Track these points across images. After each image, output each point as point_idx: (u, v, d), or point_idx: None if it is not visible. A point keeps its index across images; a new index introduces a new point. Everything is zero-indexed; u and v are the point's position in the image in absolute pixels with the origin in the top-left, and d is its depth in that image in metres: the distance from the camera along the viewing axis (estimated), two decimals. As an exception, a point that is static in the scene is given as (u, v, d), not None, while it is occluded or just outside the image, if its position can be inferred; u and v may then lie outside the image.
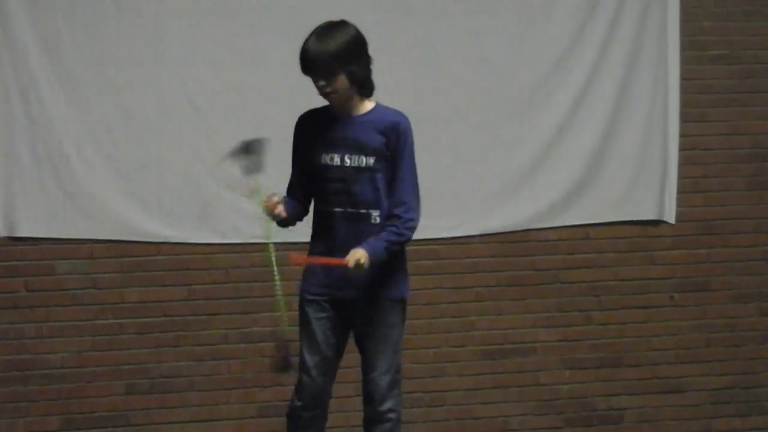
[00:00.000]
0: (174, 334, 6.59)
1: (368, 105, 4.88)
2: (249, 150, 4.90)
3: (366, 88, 4.83)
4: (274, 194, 4.86)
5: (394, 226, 4.79)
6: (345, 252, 4.73)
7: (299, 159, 4.94)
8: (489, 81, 6.75)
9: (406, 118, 4.86)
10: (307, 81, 6.35)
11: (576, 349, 6.97)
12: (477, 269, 6.86)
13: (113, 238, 6.51)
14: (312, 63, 4.71)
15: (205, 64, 6.51)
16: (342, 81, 4.73)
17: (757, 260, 7.13)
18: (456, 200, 6.75)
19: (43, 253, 6.47)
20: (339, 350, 4.94)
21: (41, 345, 6.49)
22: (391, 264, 4.84)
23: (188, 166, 6.53)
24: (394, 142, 4.81)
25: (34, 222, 6.43)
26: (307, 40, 4.74)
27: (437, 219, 6.63)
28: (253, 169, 4.87)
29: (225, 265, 6.61)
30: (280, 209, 4.85)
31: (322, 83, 4.73)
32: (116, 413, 6.56)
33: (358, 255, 4.67)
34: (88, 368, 6.53)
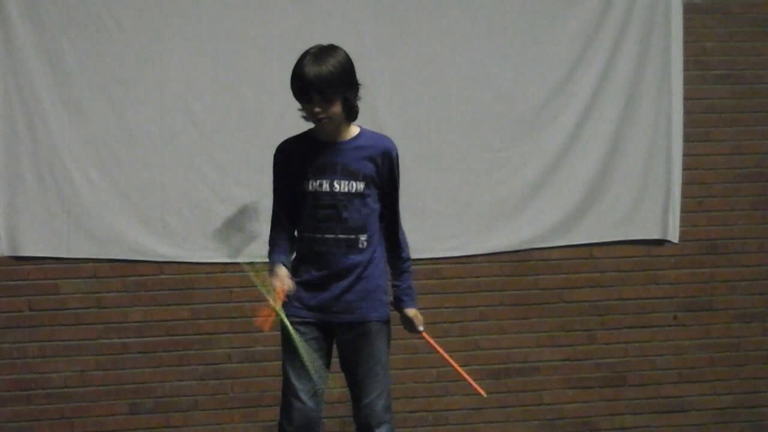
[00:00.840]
0: (178, 354, 6.59)
1: (354, 130, 4.84)
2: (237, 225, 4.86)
3: (353, 113, 4.80)
4: (278, 280, 4.76)
5: (404, 253, 4.95)
6: (333, 276, 4.75)
7: (285, 187, 4.84)
8: (492, 102, 6.76)
9: (394, 144, 4.87)
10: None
11: (579, 368, 6.97)
12: (480, 289, 6.85)
13: (117, 257, 6.51)
14: (310, 88, 4.64)
15: (208, 85, 6.52)
16: (337, 107, 4.69)
17: (760, 280, 7.12)
18: (460, 220, 6.75)
19: (46, 272, 6.47)
20: (325, 371, 4.88)
21: (45, 364, 6.49)
22: (374, 285, 4.84)
23: (192, 186, 6.53)
24: (386, 169, 4.82)
25: (37, 242, 6.43)
26: (301, 65, 4.67)
27: (441, 238, 6.65)
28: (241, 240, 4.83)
29: (228, 285, 6.60)
30: (290, 284, 4.78)
31: (317, 109, 4.68)
32: (120, 433, 6.58)
33: (419, 318, 4.97)
34: (92, 388, 6.53)
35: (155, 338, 6.57)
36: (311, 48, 4.73)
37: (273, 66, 6.53)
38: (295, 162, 4.81)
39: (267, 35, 6.55)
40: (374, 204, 4.81)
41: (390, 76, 6.52)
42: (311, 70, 4.63)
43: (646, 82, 6.89)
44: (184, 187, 6.53)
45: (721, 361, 7.10)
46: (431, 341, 4.99)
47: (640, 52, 6.88)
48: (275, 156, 4.89)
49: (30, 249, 6.44)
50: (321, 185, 4.76)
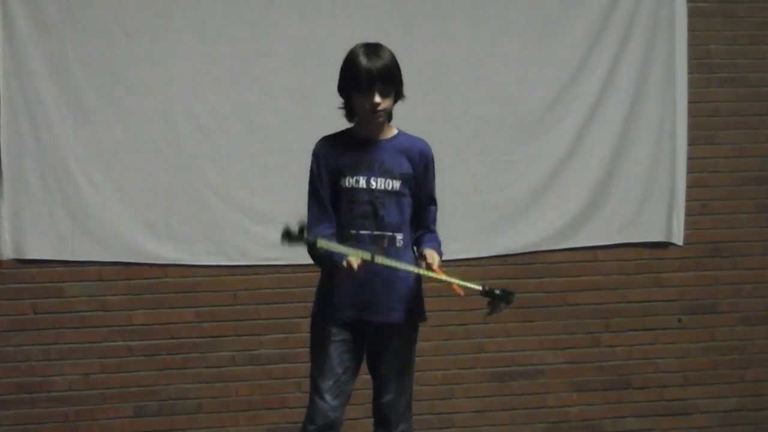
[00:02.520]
0: (182, 357, 6.59)
1: (392, 130, 4.88)
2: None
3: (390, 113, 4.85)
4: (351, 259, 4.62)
5: (435, 234, 4.95)
6: (369, 276, 4.70)
7: (326, 183, 4.82)
8: (496, 106, 6.76)
9: (429, 146, 4.91)
10: (314, 105, 6.38)
11: (583, 371, 6.97)
12: (485, 291, 6.85)
13: (121, 260, 6.51)
14: (375, 78, 4.66)
15: (213, 89, 6.51)
16: (391, 99, 4.76)
17: (764, 282, 7.12)
18: (464, 223, 6.75)
19: (51, 275, 6.47)
20: (353, 373, 4.88)
21: (49, 367, 6.49)
22: (408, 286, 4.83)
23: (196, 190, 6.53)
24: (421, 170, 4.85)
25: (42, 245, 6.43)
26: (361, 58, 4.67)
27: (445, 241, 6.60)
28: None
29: (232, 288, 6.60)
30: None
31: (377, 99, 4.69)
32: (124, 436, 6.58)
33: (435, 257, 4.80)
34: (96, 391, 6.53)
35: (159, 341, 6.57)
36: (358, 45, 4.75)
37: (278, 70, 6.54)
38: (333, 157, 4.81)
39: (272, 39, 6.55)
40: (408, 205, 4.84)
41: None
42: (374, 61, 4.67)
43: (650, 85, 6.90)
44: (188, 191, 6.53)
45: (726, 364, 7.10)
46: (437, 269, 4.79)
47: (644, 56, 6.88)
48: (314, 150, 4.87)
49: (34, 252, 6.44)
50: (357, 182, 4.77)
